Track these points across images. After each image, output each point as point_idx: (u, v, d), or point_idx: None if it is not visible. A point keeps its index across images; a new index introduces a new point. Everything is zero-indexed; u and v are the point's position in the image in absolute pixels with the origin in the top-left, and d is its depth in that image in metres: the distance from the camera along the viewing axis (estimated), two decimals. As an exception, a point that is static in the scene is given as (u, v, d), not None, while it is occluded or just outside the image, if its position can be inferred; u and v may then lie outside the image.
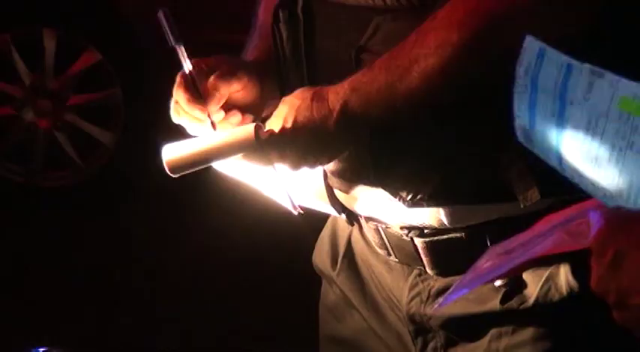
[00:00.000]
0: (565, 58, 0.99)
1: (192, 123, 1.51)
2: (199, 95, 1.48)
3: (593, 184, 1.01)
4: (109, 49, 4.37)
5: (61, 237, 4.09)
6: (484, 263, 1.21)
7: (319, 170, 1.51)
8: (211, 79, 1.48)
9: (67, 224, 4.17)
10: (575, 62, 0.99)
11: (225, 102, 1.50)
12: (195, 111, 1.48)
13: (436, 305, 1.52)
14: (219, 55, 1.56)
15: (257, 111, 1.55)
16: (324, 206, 1.58)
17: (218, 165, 1.52)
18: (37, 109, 4.40)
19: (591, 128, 0.98)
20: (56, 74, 4.39)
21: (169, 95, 1.55)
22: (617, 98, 0.95)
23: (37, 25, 4.38)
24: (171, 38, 1.46)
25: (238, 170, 1.53)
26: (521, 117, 1.06)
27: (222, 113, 1.49)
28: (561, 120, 1.01)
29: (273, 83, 1.57)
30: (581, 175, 1.02)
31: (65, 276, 3.84)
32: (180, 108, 1.50)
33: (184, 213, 4.11)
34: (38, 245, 4.04)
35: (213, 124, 1.49)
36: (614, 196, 0.99)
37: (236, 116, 1.51)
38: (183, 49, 1.47)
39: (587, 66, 0.97)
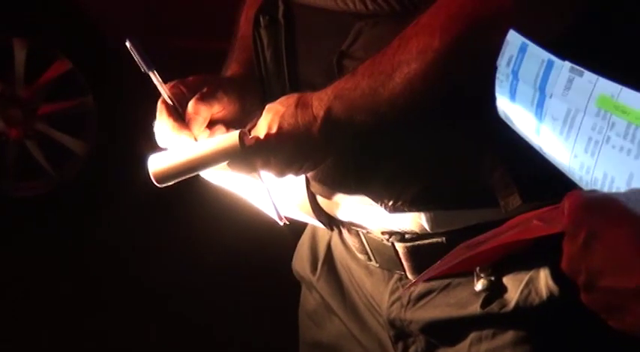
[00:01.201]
0: (546, 54, 1.02)
1: (177, 145, 1.50)
2: (183, 119, 1.47)
3: (570, 170, 1.03)
4: (80, 57, 4.35)
5: (33, 247, 4.07)
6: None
7: (302, 179, 1.51)
8: (192, 102, 1.47)
9: (39, 234, 4.15)
10: (555, 58, 1.01)
11: (209, 121, 1.50)
12: (183, 136, 1.47)
13: (408, 285, 1.51)
14: (198, 75, 1.55)
15: (241, 124, 1.55)
16: (307, 218, 1.59)
17: (205, 175, 1.51)
18: (7, 119, 4.37)
19: (569, 120, 1.00)
20: (27, 83, 4.37)
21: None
22: (596, 96, 0.97)
23: (6, 35, 4.35)
24: (144, 66, 1.44)
25: (225, 181, 1.53)
26: (501, 100, 1.08)
27: (207, 132, 1.49)
28: (540, 109, 1.03)
29: (255, 96, 1.56)
30: (558, 162, 1.04)
31: (37, 288, 3.82)
32: (167, 135, 1.49)
33: (160, 221, 4.09)
34: (8, 256, 4.01)
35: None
36: (589, 182, 1.00)
37: (220, 130, 1.51)
38: (157, 74, 1.45)
39: (567, 63, 1.00)
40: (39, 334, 3.55)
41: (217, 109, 1.49)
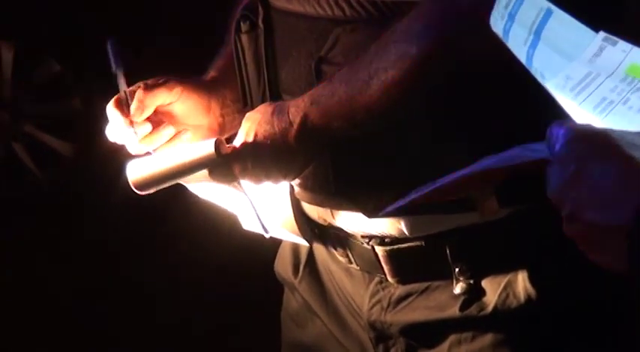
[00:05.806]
0: (546, 3, 1.02)
1: (123, 139, 1.53)
2: (129, 112, 1.51)
3: (565, 111, 1.02)
4: (68, 60, 4.35)
5: (20, 248, 4.07)
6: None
7: (285, 192, 1.52)
8: (137, 91, 1.50)
9: (25, 235, 4.15)
10: (555, 8, 1.01)
11: (167, 118, 1.53)
12: (122, 125, 1.50)
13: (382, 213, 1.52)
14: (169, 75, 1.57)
15: (211, 127, 1.56)
16: (290, 235, 1.60)
17: (192, 189, 1.52)
18: (-6, 121, 4.38)
19: (586, 81, 0.98)
20: (14, 85, 4.37)
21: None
22: (627, 64, 0.96)
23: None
24: (113, 64, 1.52)
25: (212, 195, 1.54)
26: (495, 26, 1.07)
27: (148, 125, 1.51)
28: (532, 50, 1.03)
29: (223, 102, 1.58)
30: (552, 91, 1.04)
31: (23, 287, 3.82)
32: (111, 124, 1.52)
33: (147, 221, 4.09)
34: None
35: (135, 134, 1.51)
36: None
37: (167, 128, 1.53)
38: (122, 74, 1.52)
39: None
40: (26, 335, 3.56)
41: (165, 99, 1.52)
